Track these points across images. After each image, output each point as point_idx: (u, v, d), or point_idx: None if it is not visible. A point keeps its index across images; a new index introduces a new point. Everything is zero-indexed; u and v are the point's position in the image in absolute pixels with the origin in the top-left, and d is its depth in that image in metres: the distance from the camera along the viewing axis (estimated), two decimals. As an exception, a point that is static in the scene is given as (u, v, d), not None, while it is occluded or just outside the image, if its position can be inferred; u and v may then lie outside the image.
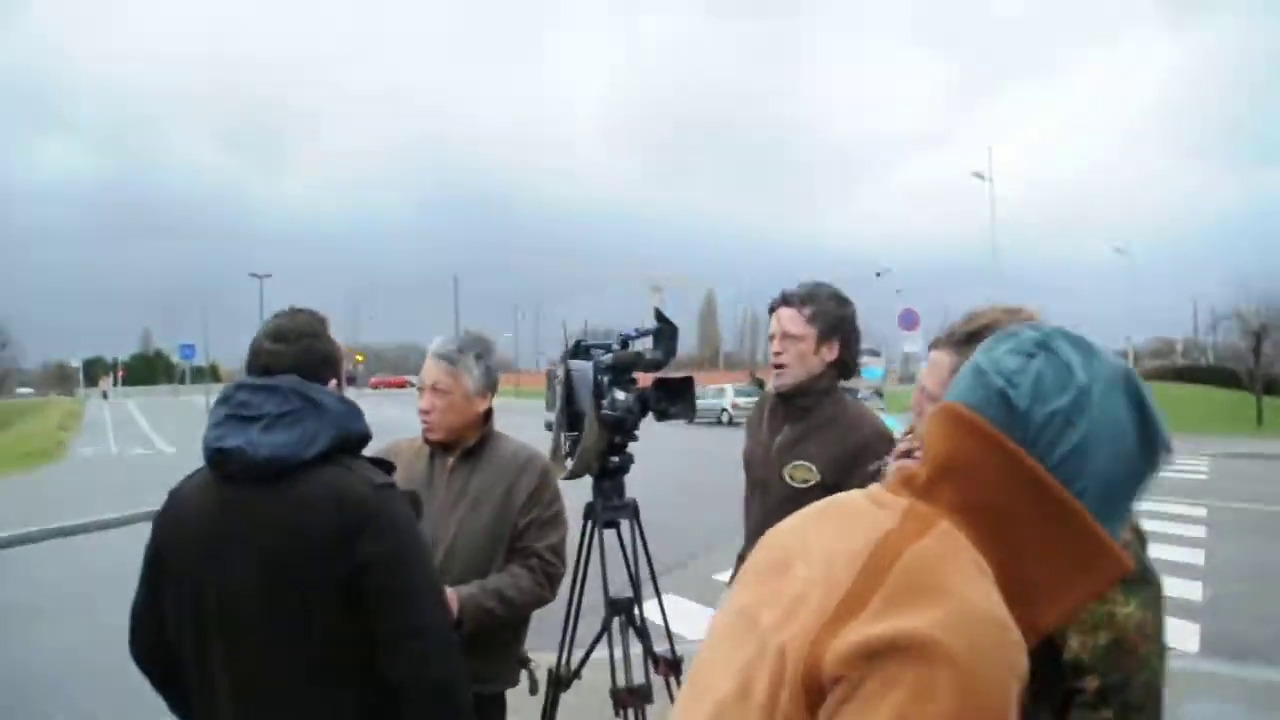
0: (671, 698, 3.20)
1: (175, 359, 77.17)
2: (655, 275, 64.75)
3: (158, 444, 31.93)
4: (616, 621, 3.20)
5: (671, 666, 3.26)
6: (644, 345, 3.07)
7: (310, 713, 1.85)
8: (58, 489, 18.06)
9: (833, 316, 2.92)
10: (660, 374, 3.05)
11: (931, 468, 1.13)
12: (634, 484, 3.22)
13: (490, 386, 2.88)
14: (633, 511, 3.19)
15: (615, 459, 3.13)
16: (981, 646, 0.95)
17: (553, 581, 2.82)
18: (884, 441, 2.71)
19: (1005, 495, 1.07)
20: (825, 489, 2.70)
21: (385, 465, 2.02)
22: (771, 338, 2.99)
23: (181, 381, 76.64)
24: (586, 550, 3.19)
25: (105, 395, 78.06)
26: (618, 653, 3.15)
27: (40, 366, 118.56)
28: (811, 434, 2.92)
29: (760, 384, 29.72)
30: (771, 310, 3.01)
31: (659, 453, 19.44)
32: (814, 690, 0.99)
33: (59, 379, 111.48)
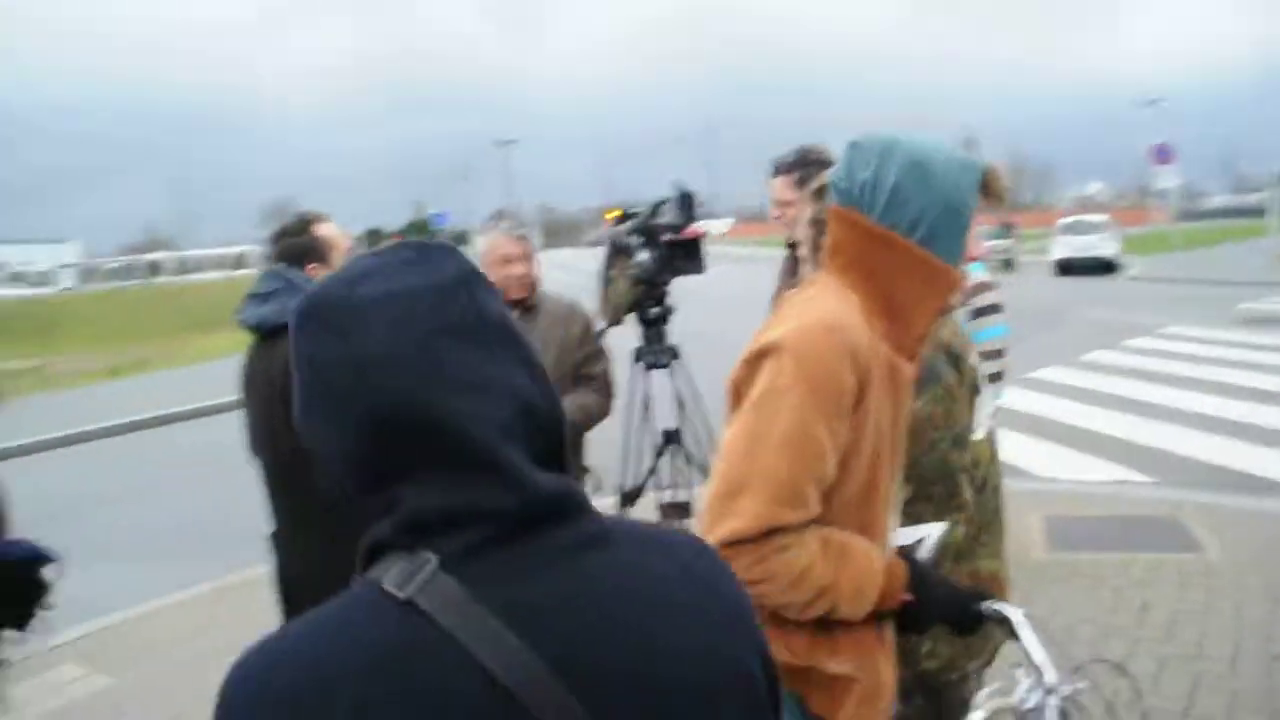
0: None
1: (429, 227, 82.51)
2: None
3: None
4: (669, 449, 3.67)
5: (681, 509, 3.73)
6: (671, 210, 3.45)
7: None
8: None
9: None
10: (674, 236, 3.41)
11: (827, 249, 1.65)
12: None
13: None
14: (672, 355, 3.61)
15: (655, 309, 3.54)
16: (813, 341, 1.48)
17: (610, 396, 3.40)
18: None
19: (858, 247, 1.58)
20: None
21: None
22: (772, 204, 3.30)
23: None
24: (638, 387, 3.66)
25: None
26: (667, 476, 3.64)
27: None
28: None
29: (1008, 228, 28.29)
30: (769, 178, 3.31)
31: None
32: (735, 394, 1.56)
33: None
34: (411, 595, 0.75)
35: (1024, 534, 5.42)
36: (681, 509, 3.57)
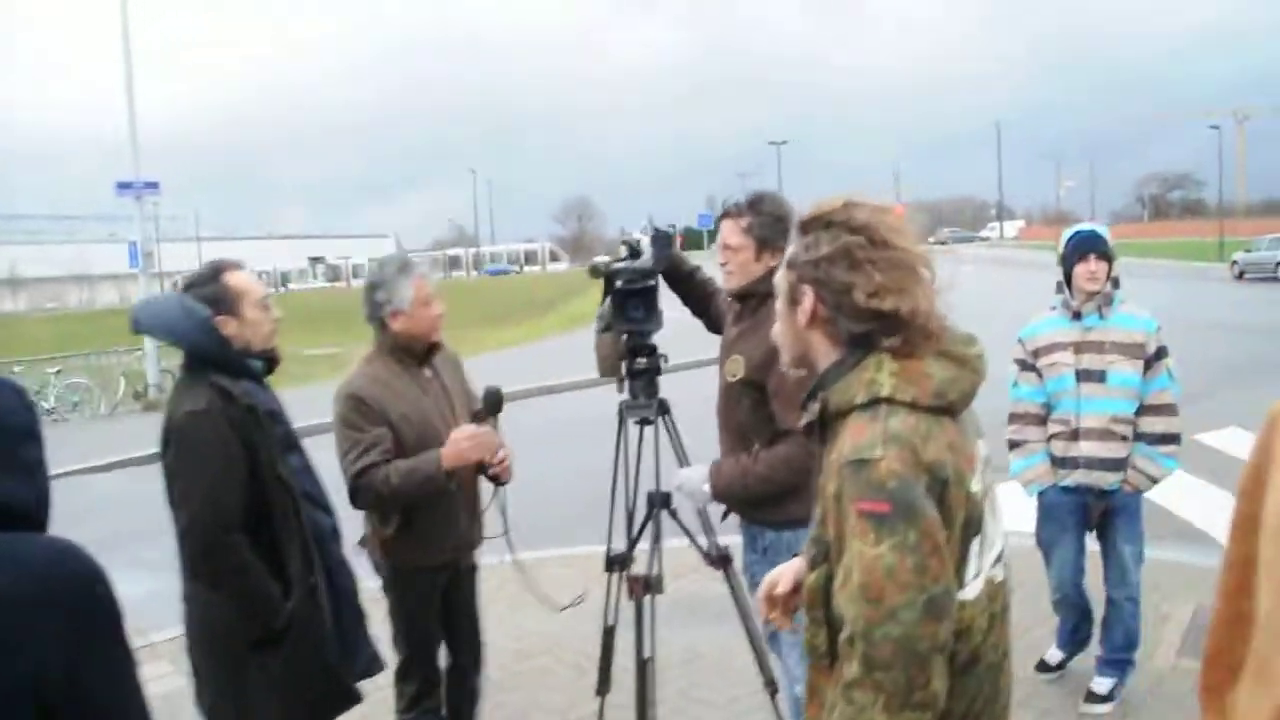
0: (732, 588, 3.35)
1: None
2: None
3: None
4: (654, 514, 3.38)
5: (719, 560, 3.38)
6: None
7: None
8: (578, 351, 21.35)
9: (769, 227, 2.97)
10: (625, 284, 3.17)
11: None
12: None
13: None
14: (658, 410, 3.31)
15: (641, 361, 3.28)
16: None
17: None
18: None
19: None
20: (749, 384, 2.96)
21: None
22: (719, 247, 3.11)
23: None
24: (622, 446, 3.39)
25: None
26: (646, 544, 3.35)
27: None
28: (748, 333, 3.03)
29: None
30: (716, 222, 3.14)
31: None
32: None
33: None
34: None
35: (1156, 628, 4.61)
36: (645, 583, 3.27)
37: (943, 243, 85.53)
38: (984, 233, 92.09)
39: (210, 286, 2.77)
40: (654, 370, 3.31)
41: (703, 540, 3.39)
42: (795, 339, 1.74)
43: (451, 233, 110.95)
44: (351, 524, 3.20)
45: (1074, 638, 4.26)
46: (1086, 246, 3.88)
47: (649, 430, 3.36)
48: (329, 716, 2.86)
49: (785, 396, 2.83)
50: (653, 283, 3.21)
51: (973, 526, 1.58)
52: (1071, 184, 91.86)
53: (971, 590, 1.57)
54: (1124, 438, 3.85)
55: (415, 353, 3.33)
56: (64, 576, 1.39)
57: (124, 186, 17.70)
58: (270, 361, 2.85)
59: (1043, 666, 4.28)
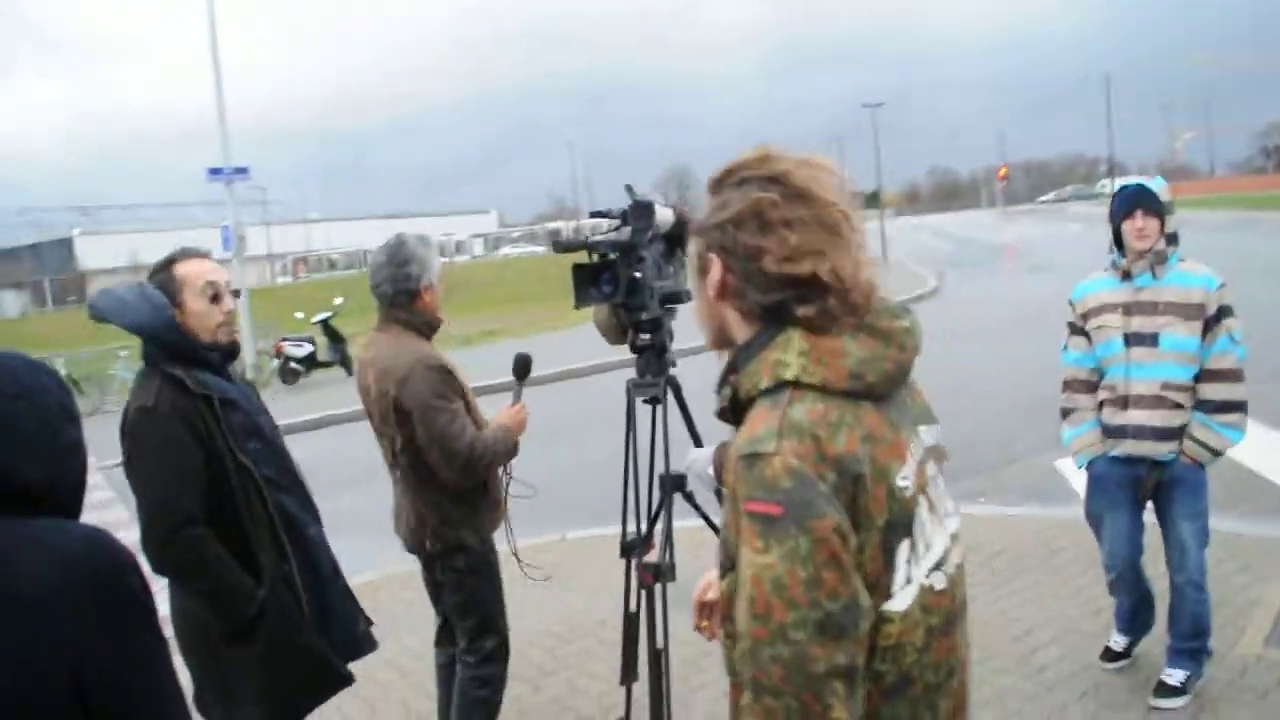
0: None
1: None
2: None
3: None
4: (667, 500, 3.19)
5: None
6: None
7: None
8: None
9: None
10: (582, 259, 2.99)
11: None
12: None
13: None
14: (664, 388, 3.12)
15: (645, 337, 3.09)
16: None
17: None
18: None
19: None
20: None
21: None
22: None
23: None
24: (627, 424, 3.21)
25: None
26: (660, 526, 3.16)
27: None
28: None
29: None
30: None
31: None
32: None
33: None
34: None
35: (1243, 612, 4.22)
36: (656, 571, 3.07)
37: (1064, 200, 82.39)
38: (1102, 188, 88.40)
39: (160, 275, 2.71)
40: (659, 347, 3.10)
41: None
42: (709, 315, 1.51)
43: (551, 205, 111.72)
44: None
45: (1134, 621, 3.94)
46: (1134, 202, 3.55)
47: (662, 411, 3.15)
48: (318, 699, 2.80)
49: None
50: (614, 256, 2.95)
51: (899, 528, 1.35)
52: (1190, 136, 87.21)
53: (900, 601, 1.35)
54: (1178, 405, 3.54)
55: (435, 328, 3.38)
56: (98, 565, 1.38)
57: (215, 172, 18.17)
58: (228, 353, 2.77)
59: (1108, 655, 3.96)
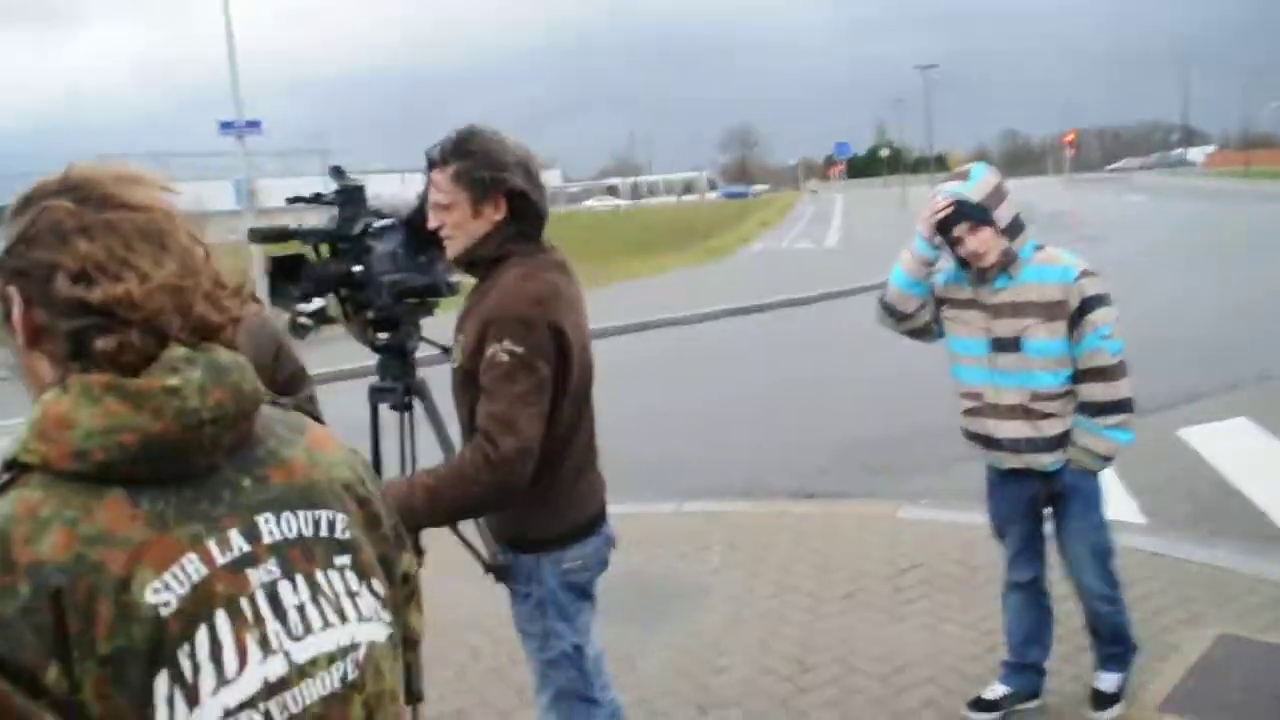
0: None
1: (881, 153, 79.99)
2: None
3: (828, 239, 34.14)
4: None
5: (500, 571, 2.76)
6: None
7: None
8: (701, 282, 21.42)
9: (484, 169, 2.30)
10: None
11: None
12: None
13: None
14: (409, 393, 2.71)
15: (382, 336, 2.69)
16: None
17: None
18: (515, 323, 2.23)
19: None
20: (466, 373, 2.33)
21: None
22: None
23: (912, 171, 77.81)
24: (371, 433, 2.81)
25: (814, 191, 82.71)
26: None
27: (784, 164, 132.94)
28: (474, 311, 2.37)
29: None
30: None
31: None
32: None
33: (790, 177, 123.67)
34: None
35: (1154, 661, 3.69)
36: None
37: (1149, 169, 79.72)
38: (1183, 155, 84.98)
39: None
40: (397, 348, 2.69)
41: (481, 547, 2.77)
42: (29, 374, 1.14)
43: (613, 161, 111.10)
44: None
45: (1027, 647, 3.51)
46: (953, 221, 3.12)
47: (409, 420, 2.76)
48: None
49: (485, 390, 2.20)
50: (301, 251, 2.58)
51: (144, 658, 1.01)
52: (1277, 105, 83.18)
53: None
54: (1050, 415, 3.19)
55: None
56: None
57: (226, 126, 17.87)
58: None
59: (978, 705, 3.49)
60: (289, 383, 2.76)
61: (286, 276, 2.53)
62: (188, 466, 1.08)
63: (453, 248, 2.38)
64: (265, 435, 1.19)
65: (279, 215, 3.19)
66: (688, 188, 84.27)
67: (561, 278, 2.37)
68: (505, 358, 2.19)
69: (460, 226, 2.33)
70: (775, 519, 5.88)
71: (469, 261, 2.39)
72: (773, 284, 19.40)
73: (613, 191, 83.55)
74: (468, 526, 2.56)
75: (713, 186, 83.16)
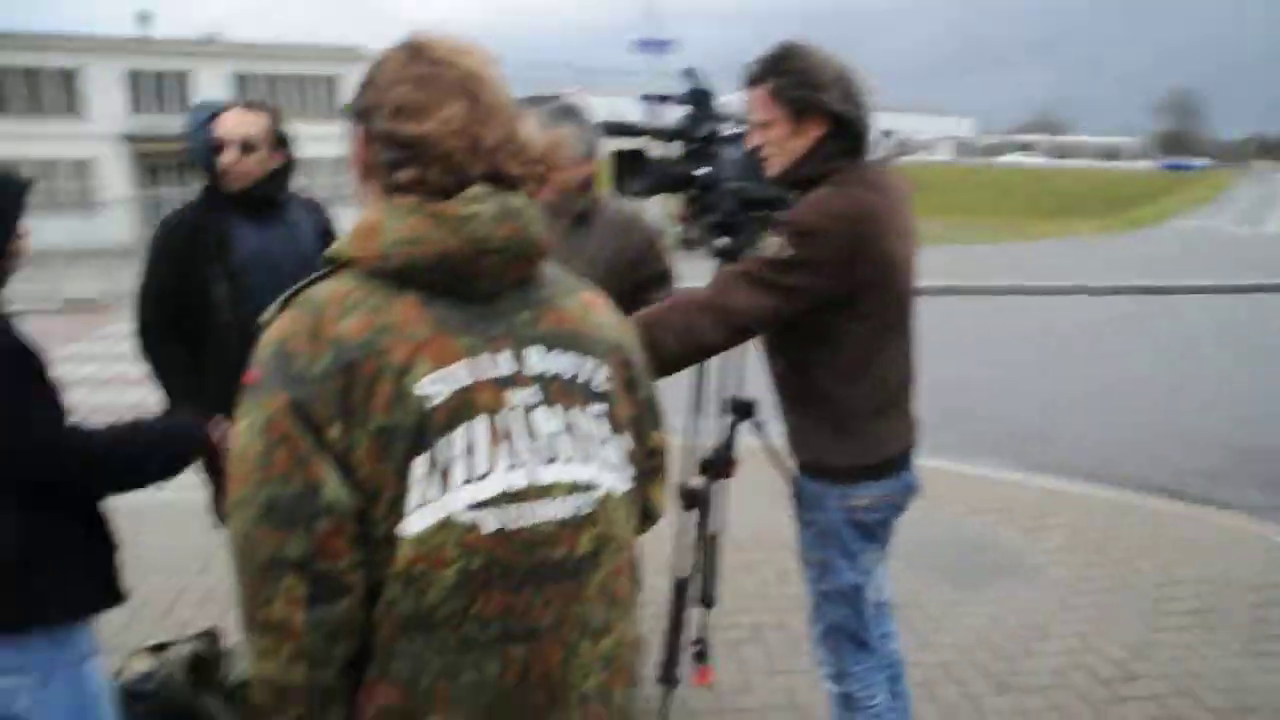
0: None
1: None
2: None
3: (1269, 223, 30.17)
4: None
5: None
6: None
7: None
8: (1115, 254, 20.63)
9: (803, 86, 2.23)
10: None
11: None
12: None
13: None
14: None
15: (723, 241, 2.70)
16: None
17: None
18: (799, 228, 2.21)
19: None
20: None
21: None
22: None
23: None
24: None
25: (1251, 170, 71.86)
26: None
27: (1229, 139, 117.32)
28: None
29: None
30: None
31: None
32: None
33: (1234, 154, 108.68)
34: None
35: None
36: (693, 497, 2.76)
37: None
38: None
39: None
40: (734, 256, 2.68)
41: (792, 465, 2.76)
42: (361, 203, 1.34)
43: (1034, 116, 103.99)
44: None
45: None
46: None
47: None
48: None
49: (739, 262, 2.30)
50: (642, 145, 2.57)
51: (407, 439, 1.17)
52: None
53: (414, 524, 1.18)
54: None
55: None
56: None
57: (645, 44, 18.97)
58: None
59: None
60: (650, 281, 2.85)
61: (629, 170, 2.61)
62: (474, 288, 1.24)
63: (772, 167, 2.32)
64: (547, 283, 1.33)
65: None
66: (1112, 153, 77.01)
67: (881, 199, 2.23)
68: (770, 251, 2.16)
69: (779, 145, 2.28)
70: (1126, 510, 5.38)
71: (790, 182, 2.32)
72: (1193, 265, 17.45)
73: (1029, 149, 78.30)
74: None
75: (1144, 154, 75.29)
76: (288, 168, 3.00)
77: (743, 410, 2.84)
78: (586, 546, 1.27)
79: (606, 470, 1.30)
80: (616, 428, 1.33)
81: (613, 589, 1.33)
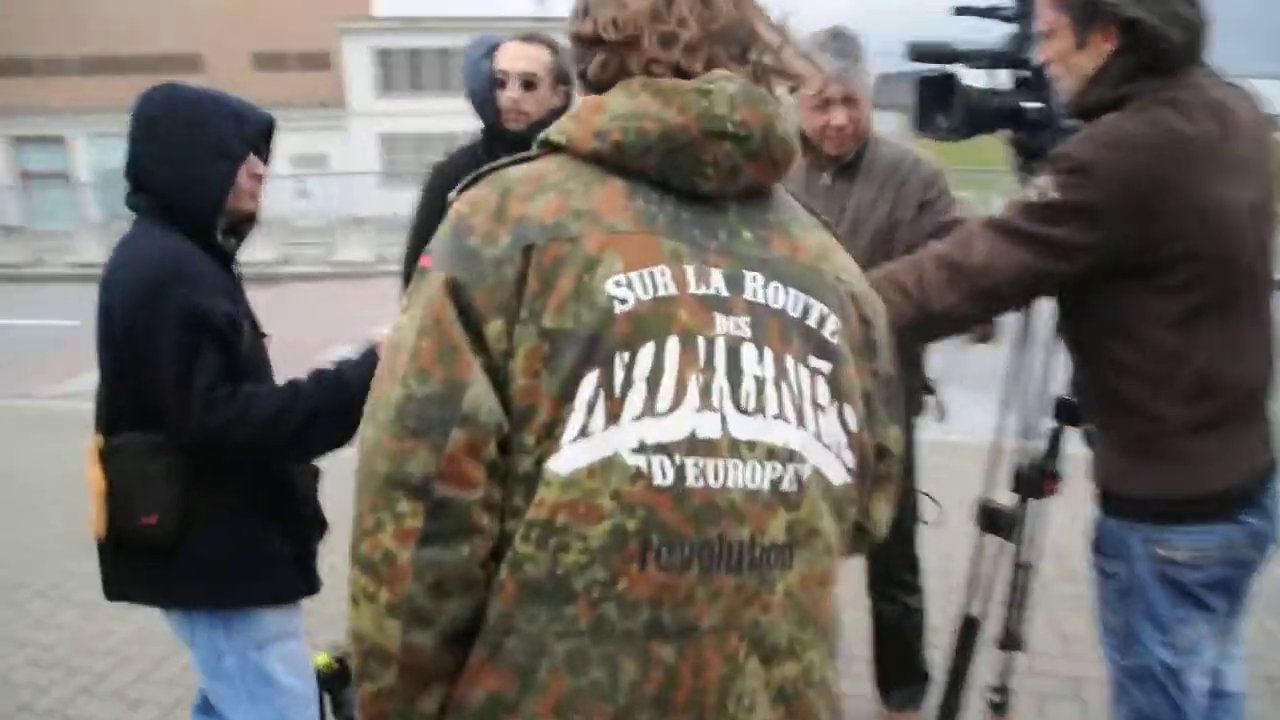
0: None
1: None
2: None
3: None
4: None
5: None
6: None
7: None
8: None
9: None
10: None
11: None
12: None
13: None
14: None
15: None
16: None
17: None
18: (1068, 164, 1.71)
19: None
20: None
21: None
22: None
23: None
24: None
25: None
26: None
27: None
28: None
29: None
30: None
31: None
32: None
33: None
34: None
35: None
36: (995, 518, 2.21)
37: None
38: None
39: None
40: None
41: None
42: None
43: None
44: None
45: None
46: None
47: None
48: None
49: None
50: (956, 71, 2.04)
51: (582, 347, 0.96)
52: None
53: (568, 460, 0.96)
54: None
55: None
56: (142, 274, 1.81)
57: (962, 10, 17.60)
58: None
59: None
60: (929, 231, 2.38)
61: (937, 102, 2.09)
62: (695, 184, 1.03)
63: (1062, 89, 1.79)
64: (783, 207, 1.12)
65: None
66: None
67: (1203, 125, 1.60)
68: (1030, 196, 1.65)
69: (1064, 60, 1.74)
70: None
71: (1081, 111, 1.74)
72: None
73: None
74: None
75: None
76: (567, 109, 2.81)
77: (1071, 414, 2.24)
78: (778, 534, 1.01)
79: (819, 446, 1.04)
80: (839, 395, 1.07)
81: (806, 602, 1.04)
